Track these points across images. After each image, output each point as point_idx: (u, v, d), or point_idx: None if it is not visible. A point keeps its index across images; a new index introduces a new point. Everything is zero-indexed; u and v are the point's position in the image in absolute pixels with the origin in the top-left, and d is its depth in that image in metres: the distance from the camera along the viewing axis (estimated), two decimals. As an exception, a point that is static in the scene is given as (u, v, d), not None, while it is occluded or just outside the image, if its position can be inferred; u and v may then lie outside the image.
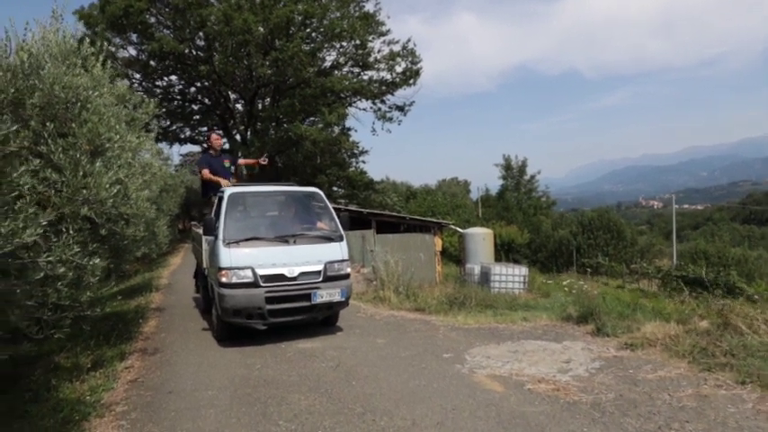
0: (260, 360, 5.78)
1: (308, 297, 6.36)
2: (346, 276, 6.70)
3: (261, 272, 6.19)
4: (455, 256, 31.72)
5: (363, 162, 31.35)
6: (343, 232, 6.85)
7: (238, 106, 30.12)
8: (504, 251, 35.59)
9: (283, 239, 6.45)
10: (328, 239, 6.71)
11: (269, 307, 6.19)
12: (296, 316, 6.45)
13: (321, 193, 7.37)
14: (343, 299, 6.62)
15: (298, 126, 24.80)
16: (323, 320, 7.07)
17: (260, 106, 29.31)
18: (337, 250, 6.68)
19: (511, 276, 17.27)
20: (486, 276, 17.55)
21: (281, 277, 6.27)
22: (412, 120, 31.74)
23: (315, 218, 7.12)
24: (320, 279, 6.45)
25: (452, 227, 22.86)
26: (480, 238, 20.53)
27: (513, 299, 9.56)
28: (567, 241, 38.64)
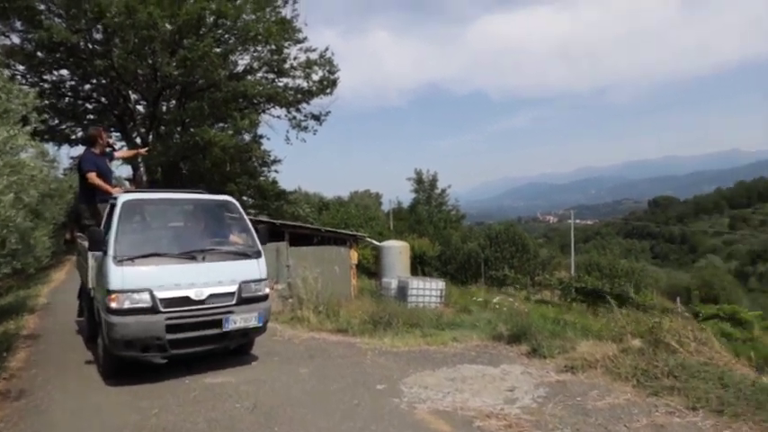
0: (158, 402, 4.80)
1: (218, 323, 5.46)
2: (264, 298, 5.88)
3: (161, 295, 5.21)
4: (368, 269, 31.34)
5: (276, 171, 30.12)
6: (260, 247, 6.03)
7: (140, 107, 27.78)
8: (417, 263, 35.79)
9: (190, 256, 5.51)
10: (244, 255, 5.85)
11: (170, 337, 5.21)
12: (204, 346, 5.52)
13: (235, 202, 6.48)
14: (261, 324, 5.78)
15: (206, 131, 23.22)
16: (235, 348, 6.15)
17: (164, 108, 27.21)
18: (254, 268, 5.83)
19: (428, 290, 17.07)
20: (403, 291, 17.21)
21: (186, 301, 5.33)
22: (326, 130, 31.07)
23: (228, 231, 6.22)
24: (234, 302, 5.57)
25: (368, 240, 22.39)
26: (397, 252, 20.23)
27: (437, 316, 9.14)
28: (475, 254, 39.63)
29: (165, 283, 5.25)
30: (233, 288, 5.58)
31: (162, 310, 5.20)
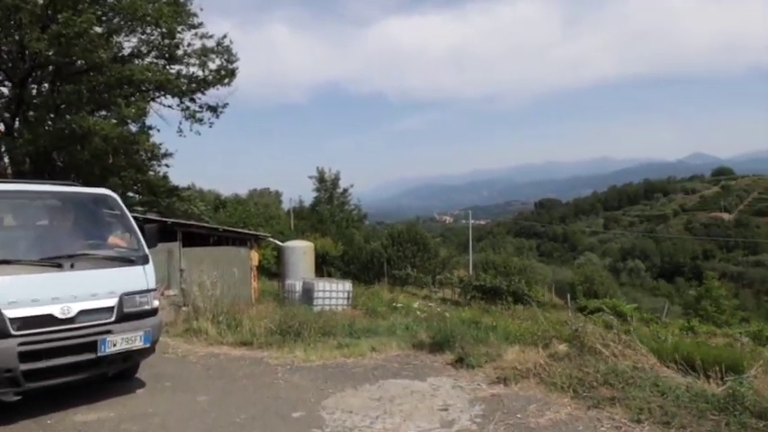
0: (6, 454, 3.70)
1: (92, 347, 4.39)
2: (153, 312, 4.87)
3: (12, 313, 4.06)
4: (268, 269, 30.00)
5: (167, 166, 27.65)
6: (148, 251, 5.00)
7: (3, 89, 24.21)
8: (319, 264, 34.99)
9: (54, 263, 4.38)
10: (126, 261, 4.80)
11: (26, 367, 4.08)
12: (73, 375, 4.42)
13: (115, 196, 5.35)
14: (148, 344, 4.77)
15: (85, 118, 20.64)
16: (116, 373, 5.06)
17: (34, 91, 23.94)
18: (140, 276, 4.81)
19: (335, 292, 16.38)
20: (308, 293, 16.38)
21: (48, 320, 4.22)
22: (222, 125, 29.22)
23: (106, 231, 5.11)
24: (112, 319, 4.53)
25: (271, 240, 21.23)
26: (301, 252, 19.32)
27: (351, 322, 8.51)
28: (378, 253, 39.60)
29: (19, 298, 4.11)
30: (111, 302, 4.53)
31: (13, 333, 4.05)
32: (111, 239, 5.09)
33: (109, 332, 4.46)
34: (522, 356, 5.68)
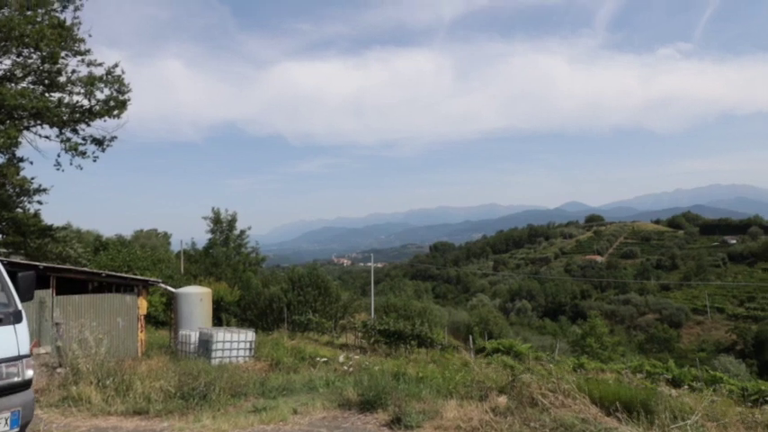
0: None
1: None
2: (24, 386, 3.82)
3: None
4: (155, 318, 27.47)
5: (39, 203, 24.68)
6: (20, 306, 3.97)
7: None
8: (214, 310, 32.74)
9: None
10: (-10, 320, 3.76)
11: None
12: None
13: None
14: (16, 428, 3.69)
15: (-62, 145, 17.93)
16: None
17: None
18: (9, 339, 3.77)
19: (236, 343, 15.08)
20: (206, 345, 14.91)
21: None
22: (106, 162, 26.95)
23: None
24: (-32, 397, 3.46)
25: (162, 285, 19.31)
26: (197, 299, 17.74)
27: (262, 380, 7.61)
28: (278, 298, 38.02)
29: None
30: (-33, 375, 3.47)
31: None
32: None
33: (-40, 416, 3.38)
34: (463, 412, 5.26)
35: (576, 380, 5.69)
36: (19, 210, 24.13)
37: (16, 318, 3.86)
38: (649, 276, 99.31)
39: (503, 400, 5.52)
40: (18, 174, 23.55)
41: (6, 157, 23.03)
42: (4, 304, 3.88)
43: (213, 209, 52.40)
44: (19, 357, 3.78)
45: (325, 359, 9.95)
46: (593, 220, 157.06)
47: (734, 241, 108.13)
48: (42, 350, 10.01)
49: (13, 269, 4.26)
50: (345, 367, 8.53)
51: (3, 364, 3.66)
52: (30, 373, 3.85)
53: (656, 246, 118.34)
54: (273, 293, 39.26)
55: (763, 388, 16.08)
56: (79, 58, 23.10)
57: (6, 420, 3.56)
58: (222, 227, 52.62)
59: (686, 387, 11.74)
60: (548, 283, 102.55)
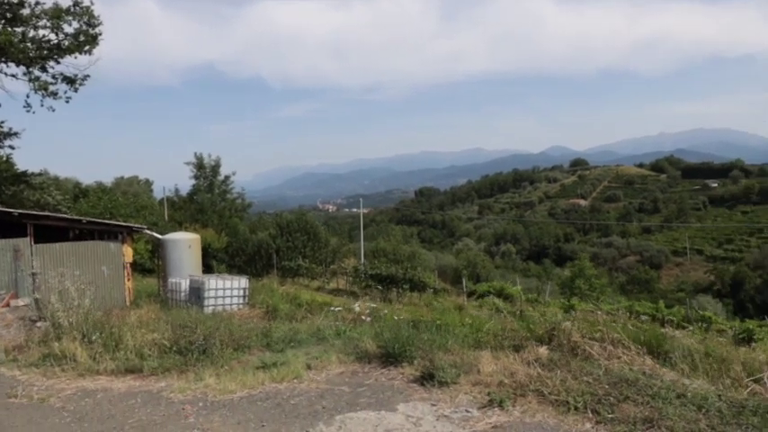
0: None
1: None
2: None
3: None
4: (141, 266, 26.78)
5: (11, 147, 23.27)
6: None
7: None
8: (202, 257, 32.11)
9: None
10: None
11: None
12: None
13: None
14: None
15: None
16: None
17: None
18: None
19: (229, 290, 14.42)
20: (197, 293, 14.23)
21: None
22: (81, 106, 25.37)
23: None
24: None
25: (147, 232, 18.42)
26: (185, 246, 16.90)
27: (265, 332, 6.97)
28: (266, 244, 37.48)
29: None
30: None
31: None
32: None
33: None
34: (501, 365, 4.67)
35: (621, 328, 5.10)
36: (-11, 155, 22.80)
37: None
38: (632, 219, 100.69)
39: (543, 351, 4.94)
40: (-16, 116, 22.05)
41: (-30, 98, 21.48)
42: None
43: (196, 154, 50.65)
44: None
45: (339, 308, 9.31)
46: (578, 164, 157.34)
47: (715, 185, 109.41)
48: (21, 302, 9.25)
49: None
50: (363, 317, 7.87)
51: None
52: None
53: (638, 189, 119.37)
54: (262, 239, 38.64)
55: (751, 327, 16.13)
56: (43, -13, 21.17)
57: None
58: (206, 173, 51.18)
59: (690, 329, 11.49)
60: (532, 226, 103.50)
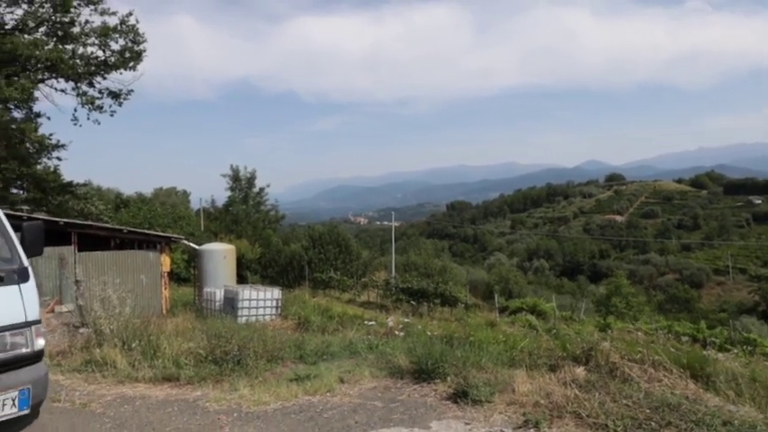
0: None
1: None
2: (34, 358, 3.17)
3: None
4: (177, 275, 27.42)
5: (58, 159, 24.28)
6: (26, 262, 3.28)
7: None
8: (236, 267, 32.69)
9: None
10: (-8, 278, 3.08)
11: None
12: None
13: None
14: (26, 410, 3.05)
15: (-49, 97, 17.38)
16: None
17: None
18: (13, 301, 3.10)
19: (262, 301, 14.66)
20: (231, 303, 14.52)
21: None
22: (123, 120, 26.23)
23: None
24: (-35, 373, 2.82)
25: (185, 242, 18.89)
26: (221, 256, 17.29)
27: (298, 343, 7.02)
28: (298, 256, 37.86)
29: None
30: (-36, 345, 2.82)
31: None
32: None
33: (-43, 396, 2.75)
34: (537, 385, 4.58)
35: (662, 350, 4.94)
36: (38, 166, 23.79)
37: (21, 276, 3.17)
38: (670, 236, 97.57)
39: (581, 371, 4.83)
40: (36, 130, 23.08)
41: (24, 112, 22.51)
42: (6, 259, 3.19)
43: (232, 166, 51.80)
44: (27, 324, 3.11)
45: (373, 322, 9.33)
46: (614, 179, 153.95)
47: (759, 201, 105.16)
48: (64, 308, 9.59)
49: (29, 223, 3.55)
50: (397, 332, 7.87)
51: (6, 333, 3.00)
52: (40, 343, 3.20)
53: (677, 205, 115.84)
54: (294, 251, 39.10)
55: (799, 350, 15.35)
56: (92, 7, 22.15)
57: (14, 401, 2.93)
58: (241, 184, 52.22)
59: (734, 352, 11.02)
60: (566, 242, 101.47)
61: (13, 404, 2.92)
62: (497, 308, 27.07)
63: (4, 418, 2.89)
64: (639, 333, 6.17)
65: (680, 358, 5.04)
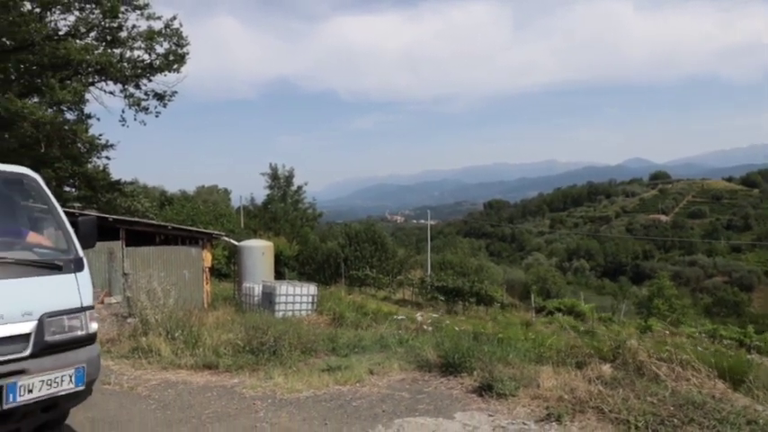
0: None
1: (-6, 395, 2.99)
2: (88, 340, 3.48)
3: None
4: (218, 270, 28.25)
5: (107, 158, 25.35)
6: (82, 253, 3.59)
7: None
8: (274, 263, 33.45)
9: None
10: (50, 268, 3.39)
11: None
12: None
13: (36, 177, 3.84)
14: (81, 386, 3.36)
15: (12, 100, 18.43)
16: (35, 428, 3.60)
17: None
18: (70, 288, 3.41)
19: (299, 297, 15.01)
20: (269, 298, 14.94)
21: None
22: (167, 120, 27.14)
23: (20, 224, 3.67)
24: (27, 352, 3.13)
25: (226, 239, 19.53)
26: (259, 253, 17.79)
27: (331, 337, 7.27)
28: (335, 253, 38.36)
29: None
30: (26, 327, 3.13)
31: None
32: (31, 237, 3.64)
33: (21, 372, 3.05)
34: (562, 381, 4.65)
35: (693, 350, 4.92)
36: (89, 165, 24.93)
37: (77, 266, 3.49)
38: (719, 237, 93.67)
39: (607, 368, 4.86)
40: (87, 131, 24.22)
41: (76, 114, 23.65)
42: (64, 250, 3.52)
43: (271, 165, 52.87)
44: (82, 309, 3.42)
45: (403, 317, 9.52)
46: (658, 177, 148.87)
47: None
48: (113, 300, 10.15)
49: (76, 216, 3.87)
50: (425, 327, 8.04)
51: (64, 317, 3.31)
52: (94, 327, 3.51)
53: (727, 205, 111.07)
54: (331, 248, 39.64)
55: None
56: (138, 12, 23.03)
57: (71, 378, 3.24)
58: (280, 183, 53.26)
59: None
60: (608, 242, 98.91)
61: (71, 380, 3.23)
62: (534, 308, 26.80)
63: (62, 393, 3.21)
64: (667, 333, 6.09)
65: (710, 359, 5.01)
